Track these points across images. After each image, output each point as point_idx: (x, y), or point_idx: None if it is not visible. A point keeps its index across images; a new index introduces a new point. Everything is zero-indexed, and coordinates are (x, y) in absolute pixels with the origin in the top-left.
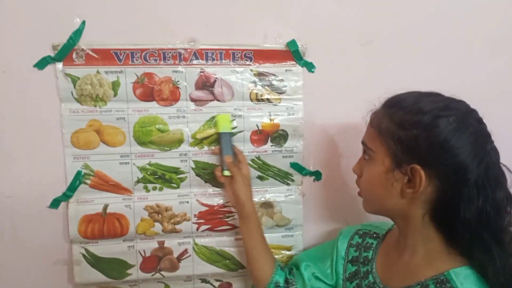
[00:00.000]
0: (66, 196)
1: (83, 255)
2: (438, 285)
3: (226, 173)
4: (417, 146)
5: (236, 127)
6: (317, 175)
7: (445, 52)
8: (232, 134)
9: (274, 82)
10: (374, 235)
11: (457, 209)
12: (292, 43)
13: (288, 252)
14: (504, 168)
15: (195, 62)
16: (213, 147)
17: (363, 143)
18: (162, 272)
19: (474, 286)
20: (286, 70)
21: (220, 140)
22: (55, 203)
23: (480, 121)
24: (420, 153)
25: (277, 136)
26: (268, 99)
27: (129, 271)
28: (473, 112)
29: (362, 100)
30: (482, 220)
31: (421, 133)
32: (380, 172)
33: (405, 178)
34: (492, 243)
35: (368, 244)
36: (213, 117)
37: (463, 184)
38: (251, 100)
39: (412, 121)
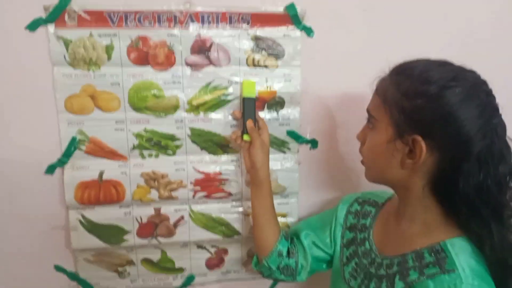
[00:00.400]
0: (61, 162)
1: (80, 221)
2: (433, 254)
3: (246, 137)
4: (420, 117)
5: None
6: (313, 143)
7: (450, 17)
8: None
9: (271, 47)
10: (373, 203)
11: (456, 183)
12: (290, 7)
13: (283, 219)
14: (510, 143)
15: (190, 25)
16: (207, 114)
17: (367, 111)
18: (159, 238)
19: (469, 257)
20: (284, 34)
21: (243, 105)
22: (50, 169)
23: (488, 93)
24: (422, 124)
25: (274, 103)
26: (265, 65)
27: (125, 237)
28: (482, 83)
29: (362, 67)
30: (481, 195)
31: (425, 103)
32: (382, 141)
33: (406, 149)
34: (490, 218)
35: (366, 212)
36: (209, 83)
37: (464, 157)
38: (248, 65)
39: (417, 91)
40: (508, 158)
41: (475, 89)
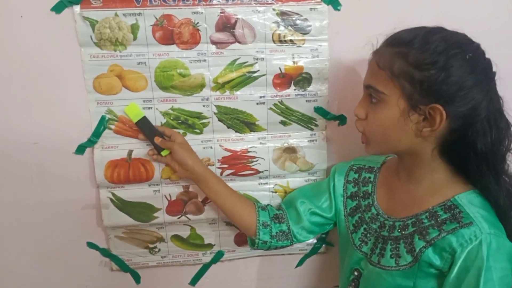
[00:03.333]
0: (91, 142)
1: (110, 199)
2: (446, 211)
3: (164, 152)
4: (436, 86)
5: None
6: (341, 119)
7: None
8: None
9: (297, 22)
10: (369, 169)
11: (474, 144)
12: None
13: None
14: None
15: (215, 2)
16: (233, 92)
17: (369, 86)
18: (188, 215)
19: (479, 208)
20: (311, 8)
21: (140, 128)
22: (80, 149)
23: (484, 54)
24: (438, 93)
25: (301, 79)
26: (291, 41)
27: (155, 214)
28: (479, 46)
29: None
30: (494, 151)
31: (438, 73)
32: (394, 114)
33: (421, 118)
34: (501, 171)
35: (365, 179)
36: (234, 60)
37: (476, 119)
38: (274, 41)
39: (428, 61)
40: (502, 111)
41: (477, 52)
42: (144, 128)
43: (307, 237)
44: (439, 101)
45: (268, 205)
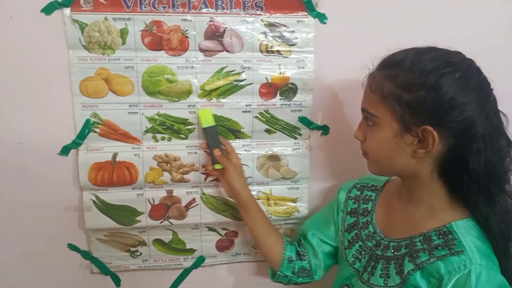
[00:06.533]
0: (76, 143)
1: (93, 202)
2: (440, 236)
3: (218, 166)
4: (425, 107)
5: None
6: (324, 129)
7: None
8: (216, 127)
9: (285, 34)
10: (372, 188)
11: (467, 164)
12: None
13: (293, 204)
14: (500, 114)
15: (204, 10)
16: (220, 100)
17: (364, 109)
18: (170, 220)
19: (474, 238)
20: (298, 21)
21: (205, 135)
22: (65, 150)
23: (479, 71)
24: (429, 114)
25: (286, 89)
26: (278, 51)
27: (138, 218)
28: (472, 63)
29: (375, 54)
30: (488, 171)
31: (428, 93)
32: (388, 137)
33: (415, 139)
34: (496, 192)
35: (367, 197)
36: (222, 68)
37: (471, 138)
38: (261, 51)
39: (416, 82)
40: (503, 129)
41: (469, 70)
42: (209, 136)
43: (323, 272)
44: (430, 122)
45: (293, 240)
